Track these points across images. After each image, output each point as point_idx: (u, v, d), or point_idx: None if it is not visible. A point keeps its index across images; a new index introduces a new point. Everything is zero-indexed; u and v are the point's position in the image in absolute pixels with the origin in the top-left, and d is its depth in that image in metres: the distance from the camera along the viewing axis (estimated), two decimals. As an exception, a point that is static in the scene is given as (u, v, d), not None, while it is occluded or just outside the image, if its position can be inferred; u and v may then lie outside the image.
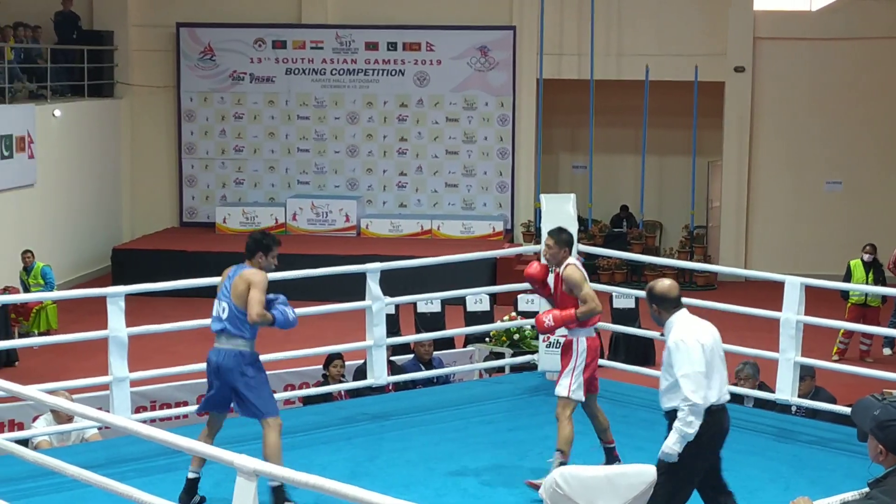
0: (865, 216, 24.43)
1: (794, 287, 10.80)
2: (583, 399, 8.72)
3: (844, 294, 17.16)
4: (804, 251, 23.72)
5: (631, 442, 8.43)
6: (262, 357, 11.18)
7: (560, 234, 9.04)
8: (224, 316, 8.29)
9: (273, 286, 13.24)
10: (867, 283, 17.06)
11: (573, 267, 8.92)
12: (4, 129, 20.83)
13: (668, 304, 7.18)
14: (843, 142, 24.69)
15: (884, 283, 17.27)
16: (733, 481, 8.56)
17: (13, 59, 22.44)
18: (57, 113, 22.84)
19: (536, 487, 7.79)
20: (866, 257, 17.53)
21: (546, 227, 12.21)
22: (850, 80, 24.57)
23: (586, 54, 24.72)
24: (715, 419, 7.13)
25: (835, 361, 16.15)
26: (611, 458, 8.60)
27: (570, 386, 8.69)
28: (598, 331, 9.14)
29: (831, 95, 24.65)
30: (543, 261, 9.40)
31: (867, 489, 5.17)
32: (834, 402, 11.28)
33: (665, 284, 7.24)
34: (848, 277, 17.37)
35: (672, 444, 6.82)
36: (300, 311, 11.56)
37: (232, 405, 8.44)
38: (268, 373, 13.57)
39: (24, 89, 22.64)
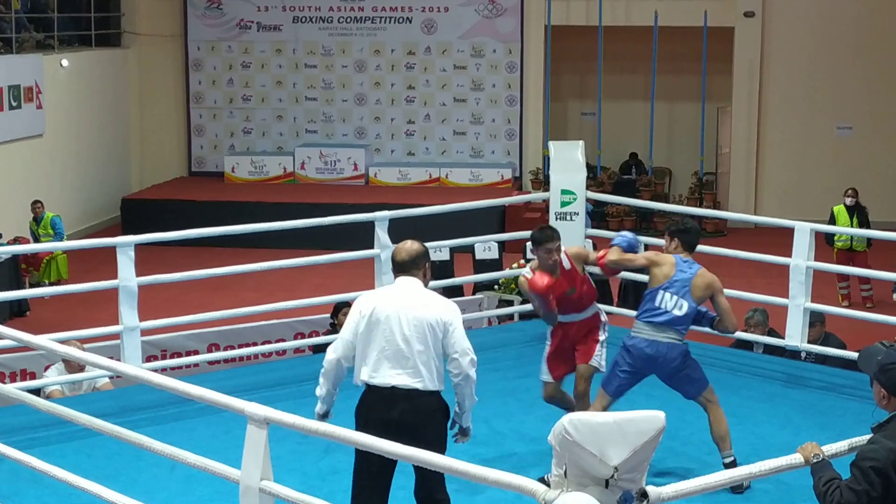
0: (876, 161, 24.36)
1: (803, 233, 10.77)
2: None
3: (829, 239, 17.17)
4: (814, 197, 23.65)
5: (640, 388, 8.43)
6: (271, 305, 11.27)
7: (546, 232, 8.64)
8: (680, 312, 8.10)
9: (282, 235, 13.28)
10: (851, 227, 17.06)
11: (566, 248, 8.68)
12: (12, 80, 20.80)
13: (392, 269, 6.87)
14: (853, 86, 24.57)
15: (868, 227, 17.25)
16: (744, 427, 8.60)
17: (20, 9, 22.38)
18: (64, 63, 22.78)
19: None
20: (849, 201, 17.50)
21: (555, 175, 12.19)
22: (860, 24, 24.43)
23: (594, 0, 24.58)
24: (363, 400, 6.61)
25: (844, 307, 16.15)
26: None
27: (603, 357, 8.64)
28: None
29: (841, 40, 24.51)
30: (534, 272, 8.55)
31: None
32: (844, 347, 11.29)
33: (395, 249, 6.89)
34: (832, 223, 17.35)
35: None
36: (309, 260, 11.62)
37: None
38: (277, 321, 13.70)
39: (31, 39, 22.57)
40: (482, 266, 16.42)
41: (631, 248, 8.58)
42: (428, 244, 12.56)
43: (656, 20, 24.20)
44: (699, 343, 11.65)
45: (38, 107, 21.66)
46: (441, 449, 6.41)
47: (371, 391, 6.56)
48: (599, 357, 8.62)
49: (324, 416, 6.87)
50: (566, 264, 8.56)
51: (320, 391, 6.84)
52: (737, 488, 7.73)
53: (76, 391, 10.48)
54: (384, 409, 6.49)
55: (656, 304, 8.11)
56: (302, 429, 5.80)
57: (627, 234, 8.75)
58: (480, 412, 9.70)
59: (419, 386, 6.49)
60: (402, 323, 6.54)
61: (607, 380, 8.32)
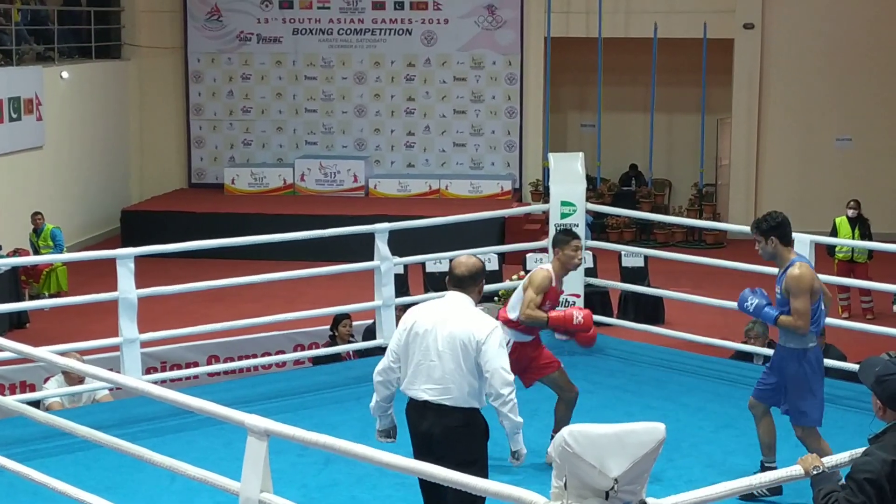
0: (876, 172, 24.37)
1: (803, 244, 10.76)
2: None
3: (831, 250, 17.19)
4: (814, 208, 23.64)
5: (640, 400, 8.45)
6: (271, 317, 11.27)
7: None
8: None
9: (282, 247, 13.27)
10: (853, 238, 17.07)
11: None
12: (13, 92, 20.82)
13: (447, 281, 6.95)
14: (853, 98, 24.59)
15: (870, 238, 17.27)
16: (744, 438, 8.60)
17: (20, 21, 22.40)
18: (65, 75, 22.80)
19: None
20: (851, 213, 17.52)
21: (554, 187, 12.19)
22: (860, 36, 24.45)
23: (594, 12, 24.61)
24: (406, 410, 6.73)
25: (844, 319, 16.14)
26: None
27: None
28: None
29: (841, 51, 24.53)
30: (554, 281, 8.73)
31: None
32: (844, 359, 11.28)
33: (454, 262, 6.98)
34: (834, 234, 17.37)
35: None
36: (309, 272, 11.61)
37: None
38: (277, 333, 13.69)
39: (31, 51, 22.60)
40: (482, 278, 16.38)
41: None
42: (427, 256, 12.60)
43: (656, 32, 24.23)
44: (698, 354, 11.68)
45: (39, 119, 21.67)
46: (470, 467, 6.05)
47: (409, 402, 6.67)
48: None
49: (384, 435, 6.92)
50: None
51: (371, 405, 6.90)
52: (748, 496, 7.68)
53: (76, 403, 10.47)
54: (417, 422, 6.61)
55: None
56: (302, 441, 5.80)
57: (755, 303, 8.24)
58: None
59: (448, 402, 6.52)
60: (437, 338, 6.59)
61: (814, 411, 8.11)
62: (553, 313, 8.49)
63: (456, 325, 6.61)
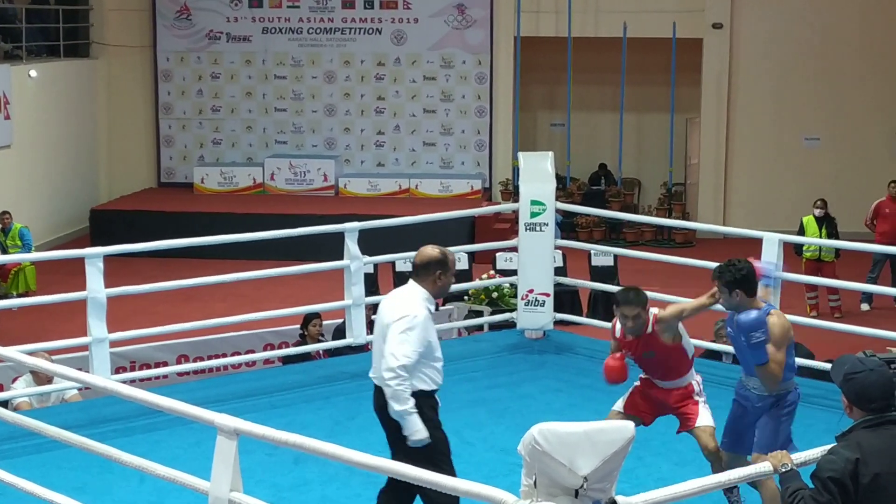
0: (843, 172, 24.49)
1: (772, 243, 10.83)
2: None
3: (798, 249, 17.26)
4: (782, 207, 23.75)
5: (610, 399, 8.45)
6: (241, 317, 11.25)
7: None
8: None
9: (252, 246, 13.26)
10: (820, 237, 17.15)
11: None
12: (-20, 90, 20.72)
13: None
14: (821, 97, 24.70)
15: (837, 237, 17.36)
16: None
17: (-13, 20, 22.29)
18: (32, 73, 22.69)
19: None
20: (818, 212, 17.59)
21: (524, 186, 12.18)
22: (828, 36, 24.55)
23: (564, 11, 24.65)
24: None
25: (813, 318, 16.22)
26: None
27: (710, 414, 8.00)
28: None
29: (809, 51, 24.64)
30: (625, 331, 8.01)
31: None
32: (811, 358, 11.33)
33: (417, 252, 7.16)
34: (801, 234, 17.43)
35: None
36: (279, 271, 11.60)
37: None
38: (247, 333, 13.67)
39: (-1, 50, 22.49)
40: (452, 277, 16.39)
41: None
42: (397, 255, 12.59)
43: (625, 31, 24.28)
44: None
45: (6, 117, 21.56)
46: (401, 442, 6.82)
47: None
48: (706, 414, 7.95)
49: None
50: (648, 328, 7.86)
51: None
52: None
53: (44, 403, 10.43)
54: (374, 402, 7.02)
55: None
56: (272, 440, 5.79)
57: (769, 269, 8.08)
58: (450, 423, 9.71)
59: (377, 382, 6.96)
60: (381, 323, 6.98)
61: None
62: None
63: (385, 310, 6.98)
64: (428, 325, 6.91)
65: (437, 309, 7.21)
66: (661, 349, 7.87)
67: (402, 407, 6.76)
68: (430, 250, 7.08)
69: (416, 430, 6.80)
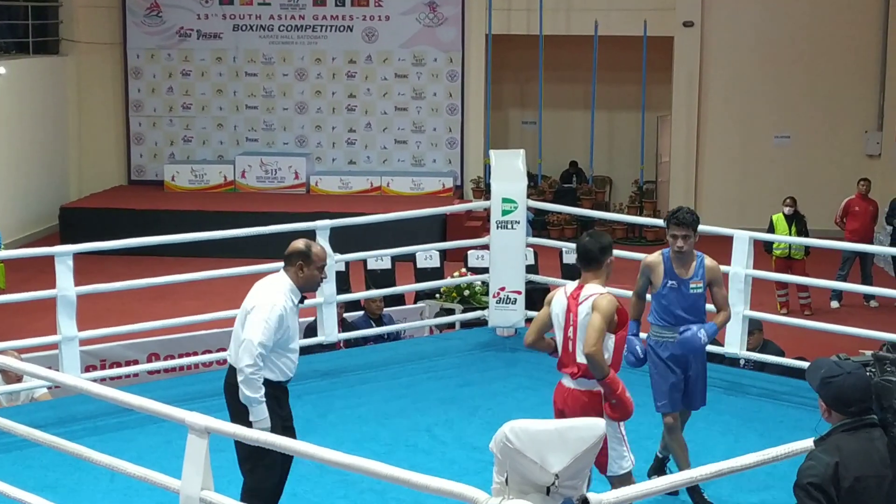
0: (814, 170, 24.59)
1: (742, 241, 10.88)
2: None
3: (768, 247, 17.33)
4: (753, 205, 23.84)
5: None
6: (212, 315, 11.22)
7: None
8: None
9: (223, 244, 13.22)
10: (790, 235, 17.20)
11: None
12: (-52, 87, 20.59)
13: None
14: (791, 96, 24.79)
15: (807, 235, 17.44)
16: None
17: (-44, 16, 22.16)
18: (1, 70, 22.56)
19: None
20: (787, 210, 17.65)
21: (496, 184, 12.19)
22: (799, 35, 24.64)
23: (535, 9, 24.67)
24: None
25: (783, 315, 16.28)
26: None
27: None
28: None
29: (780, 50, 24.73)
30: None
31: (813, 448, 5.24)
32: (782, 355, 11.40)
33: None
34: (771, 231, 17.47)
35: None
36: (249, 269, 11.57)
37: None
38: (218, 331, 13.63)
39: (-33, 47, 22.37)
40: (423, 275, 16.43)
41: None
42: (369, 253, 12.59)
43: (596, 29, 24.32)
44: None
45: (-25, 115, 21.46)
46: (235, 419, 6.95)
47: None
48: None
49: None
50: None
51: None
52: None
53: (14, 402, 10.38)
54: (225, 379, 7.26)
55: None
56: (242, 438, 5.78)
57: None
58: (422, 420, 9.73)
59: (231, 362, 7.16)
60: (243, 308, 7.20)
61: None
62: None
63: (250, 296, 7.20)
64: (288, 315, 7.09)
65: (301, 302, 7.28)
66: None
67: (254, 394, 6.94)
68: (297, 242, 7.31)
69: (262, 419, 6.97)
